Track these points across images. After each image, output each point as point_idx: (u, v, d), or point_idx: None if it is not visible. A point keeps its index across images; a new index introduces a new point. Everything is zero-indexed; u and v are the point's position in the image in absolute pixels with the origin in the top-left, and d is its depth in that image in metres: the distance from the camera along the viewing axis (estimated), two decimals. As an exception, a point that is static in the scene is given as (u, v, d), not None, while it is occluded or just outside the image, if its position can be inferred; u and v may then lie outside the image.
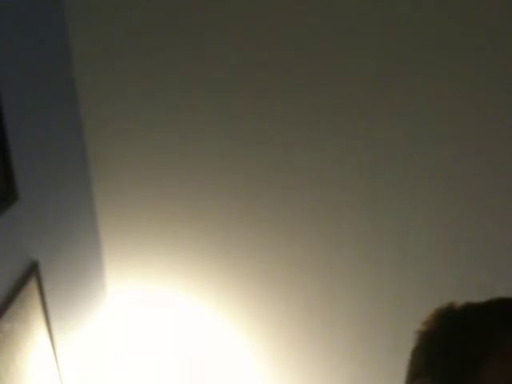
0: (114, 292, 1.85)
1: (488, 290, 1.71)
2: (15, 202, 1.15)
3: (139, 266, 1.81)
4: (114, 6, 1.51)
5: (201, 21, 1.52)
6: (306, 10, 1.50)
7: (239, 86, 1.58)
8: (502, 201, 1.67)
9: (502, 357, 0.58)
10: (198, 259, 1.79)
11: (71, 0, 1.50)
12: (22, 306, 1.15)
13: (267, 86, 1.58)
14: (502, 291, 1.73)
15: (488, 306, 0.65)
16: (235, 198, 1.71)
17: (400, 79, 1.55)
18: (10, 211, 1.13)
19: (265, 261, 1.79)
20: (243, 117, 1.61)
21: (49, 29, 1.43)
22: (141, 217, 1.74)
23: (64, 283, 1.46)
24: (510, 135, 1.60)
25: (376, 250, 1.76)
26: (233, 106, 1.60)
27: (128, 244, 1.78)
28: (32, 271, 1.21)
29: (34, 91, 1.31)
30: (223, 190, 1.70)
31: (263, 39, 1.53)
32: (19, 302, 1.13)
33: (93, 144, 1.66)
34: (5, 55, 1.15)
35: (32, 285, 1.20)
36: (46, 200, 1.36)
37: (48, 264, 1.32)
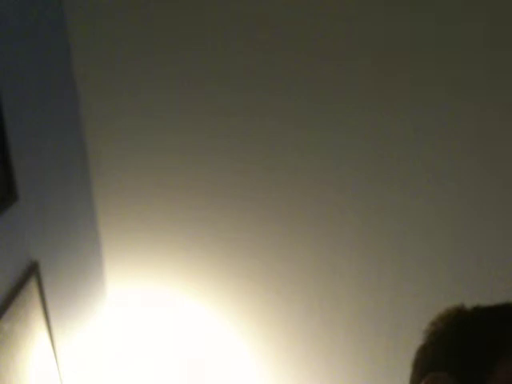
0: (113, 292, 1.85)
1: (488, 289, 1.72)
2: (15, 202, 1.15)
3: (139, 266, 1.81)
4: (114, 6, 1.51)
5: (201, 21, 1.52)
6: (307, 9, 1.50)
7: (239, 85, 1.58)
8: (502, 201, 1.67)
9: None
10: (198, 259, 1.79)
11: (71, 0, 1.50)
12: (22, 306, 1.15)
13: (267, 85, 1.58)
14: (502, 291, 1.74)
15: (498, 308, 0.65)
16: (235, 197, 1.71)
17: (401, 79, 1.55)
18: (10, 211, 1.13)
19: (265, 261, 1.79)
20: (243, 117, 1.61)
21: (49, 29, 1.43)
22: (141, 217, 1.74)
23: (64, 283, 1.46)
24: (510, 135, 1.60)
25: (376, 250, 1.76)
26: (233, 105, 1.60)
27: (128, 244, 1.78)
28: (32, 271, 1.21)
29: (34, 91, 1.31)
30: (223, 190, 1.70)
31: (263, 39, 1.53)
32: (19, 302, 1.13)
33: (93, 144, 1.66)
34: (5, 55, 1.15)
35: (32, 285, 1.20)
36: (46, 200, 1.36)
37: (48, 264, 1.33)
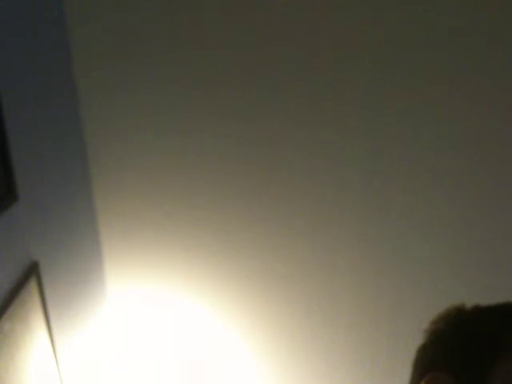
0: (113, 292, 1.85)
1: (488, 289, 1.72)
2: (15, 202, 1.14)
3: (139, 266, 1.81)
4: (113, 6, 1.51)
5: (201, 21, 1.52)
6: (307, 9, 1.50)
7: (239, 85, 1.58)
8: (502, 201, 1.67)
9: None
10: (198, 259, 1.79)
11: (71, 0, 1.50)
12: (22, 306, 1.15)
13: (267, 85, 1.58)
14: (502, 291, 1.74)
15: (498, 307, 0.65)
16: (235, 197, 1.71)
17: (401, 79, 1.55)
18: (10, 211, 1.13)
19: (265, 261, 1.79)
20: (243, 117, 1.61)
21: (49, 29, 1.43)
22: (141, 217, 1.74)
23: (64, 283, 1.46)
24: (510, 135, 1.60)
25: (376, 250, 1.76)
26: (232, 105, 1.60)
27: (128, 244, 1.78)
28: (32, 271, 1.21)
29: (34, 91, 1.31)
30: (223, 190, 1.70)
31: (263, 39, 1.53)
32: (19, 302, 1.13)
33: (93, 144, 1.66)
34: (5, 55, 1.15)
35: (32, 285, 1.20)
36: (46, 200, 1.35)
37: (48, 264, 1.32)
